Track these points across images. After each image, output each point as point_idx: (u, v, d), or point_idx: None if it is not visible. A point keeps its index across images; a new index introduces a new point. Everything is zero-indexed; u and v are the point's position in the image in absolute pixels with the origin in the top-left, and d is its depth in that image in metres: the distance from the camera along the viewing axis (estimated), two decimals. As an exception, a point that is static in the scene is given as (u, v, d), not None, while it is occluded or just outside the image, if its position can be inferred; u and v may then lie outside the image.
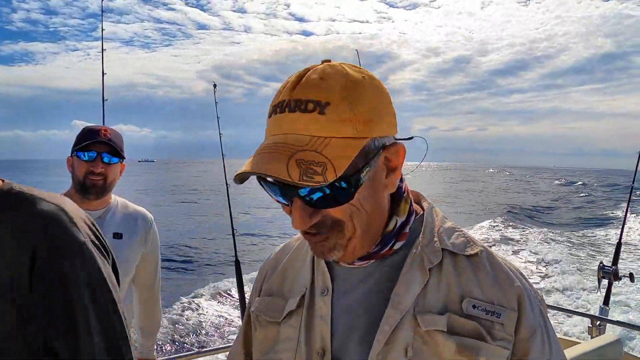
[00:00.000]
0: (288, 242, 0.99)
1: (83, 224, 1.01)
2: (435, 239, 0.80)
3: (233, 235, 3.36)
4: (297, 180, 0.62)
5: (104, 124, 2.67)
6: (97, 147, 2.00)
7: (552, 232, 19.81)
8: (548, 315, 0.82)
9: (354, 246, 0.76)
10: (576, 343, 2.60)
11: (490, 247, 0.83)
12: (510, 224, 21.94)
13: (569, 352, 2.16)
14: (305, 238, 0.77)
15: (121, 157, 2.07)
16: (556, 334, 0.83)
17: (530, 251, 15.33)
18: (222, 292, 10.33)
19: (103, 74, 3.09)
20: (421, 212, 0.85)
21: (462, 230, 0.83)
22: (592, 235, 20.08)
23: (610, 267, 3.51)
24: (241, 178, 0.68)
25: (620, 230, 3.90)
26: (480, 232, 19.45)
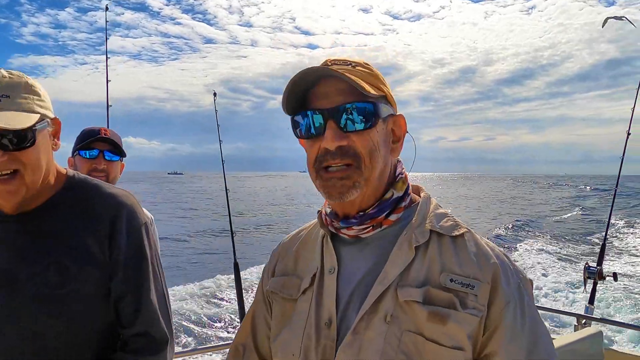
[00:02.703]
0: (299, 229, 1.10)
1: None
2: (427, 221, 0.91)
3: (232, 237, 3.46)
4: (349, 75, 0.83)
5: (108, 127, 2.78)
6: (98, 145, 2.03)
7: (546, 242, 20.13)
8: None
9: (366, 192, 0.89)
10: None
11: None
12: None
13: None
14: (326, 178, 0.88)
15: (122, 154, 2.11)
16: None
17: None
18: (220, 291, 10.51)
19: (107, 81, 3.23)
20: (418, 200, 0.97)
21: (452, 216, 0.94)
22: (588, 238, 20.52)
23: (595, 267, 3.64)
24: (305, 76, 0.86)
25: (604, 231, 4.03)
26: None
